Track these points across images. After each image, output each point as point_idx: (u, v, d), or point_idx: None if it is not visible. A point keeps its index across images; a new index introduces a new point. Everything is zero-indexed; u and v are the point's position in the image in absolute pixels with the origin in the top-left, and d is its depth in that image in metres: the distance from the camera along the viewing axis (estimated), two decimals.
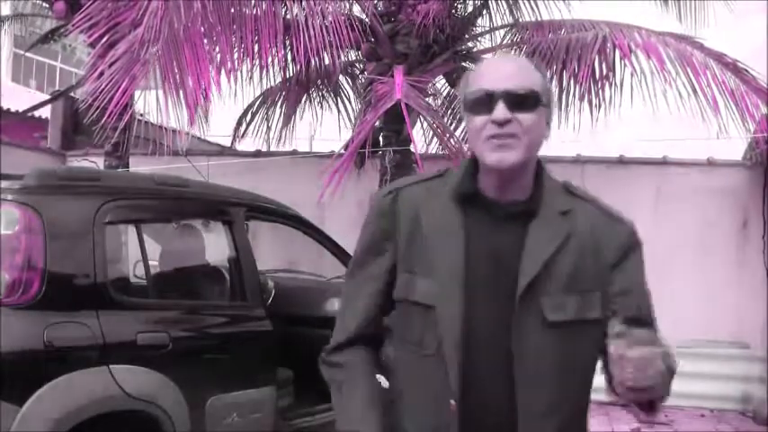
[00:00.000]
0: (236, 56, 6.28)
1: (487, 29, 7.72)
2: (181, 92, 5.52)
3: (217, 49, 6.02)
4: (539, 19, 7.49)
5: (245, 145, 9.21)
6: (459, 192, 1.52)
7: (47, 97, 10.32)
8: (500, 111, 1.43)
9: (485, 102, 1.45)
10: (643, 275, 1.56)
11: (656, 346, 1.34)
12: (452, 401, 1.45)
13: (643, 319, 1.48)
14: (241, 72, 6.80)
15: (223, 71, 6.25)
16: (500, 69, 1.51)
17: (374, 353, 1.65)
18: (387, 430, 1.53)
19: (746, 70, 6.44)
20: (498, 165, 1.45)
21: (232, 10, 5.94)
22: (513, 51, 7.67)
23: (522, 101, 1.45)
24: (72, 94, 9.14)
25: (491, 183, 1.51)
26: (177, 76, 5.47)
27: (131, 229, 3.73)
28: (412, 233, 1.54)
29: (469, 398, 1.46)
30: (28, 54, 14.25)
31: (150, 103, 6.05)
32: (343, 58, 7.55)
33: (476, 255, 1.49)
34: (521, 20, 7.56)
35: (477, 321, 1.47)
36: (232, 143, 9.24)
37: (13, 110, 10.70)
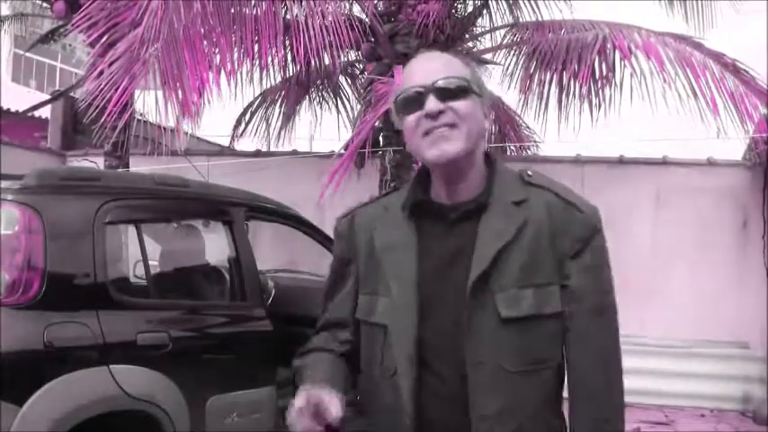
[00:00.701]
0: (235, 56, 6.27)
1: (487, 29, 7.72)
2: (180, 92, 5.52)
3: (216, 49, 6.01)
4: (539, 19, 7.49)
5: (244, 145, 9.23)
6: (409, 203, 1.49)
7: (47, 97, 10.32)
8: (431, 102, 1.40)
9: (416, 99, 1.42)
10: (602, 268, 1.47)
11: None
12: (407, 421, 1.42)
13: (604, 312, 1.45)
14: (241, 72, 6.81)
15: (222, 72, 6.26)
16: (426, 66, 1.48)
17: (340, 361, 1.58)
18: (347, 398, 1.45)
19: (746, 71, 6.43)
20: (440, 158, 1.41)
21: (232, 10, 5.94)
22: (513, 51, 7.69)
23: (453, 90, 1.42)
24: (72, 93, 9.14)
25: (440, 185, 1.47)
26: (176, 77, 5.47)
27: (131, 229, 3.73)
28: (368, 253, 1.52)
29: (426, 413, 1.43)
30: (28, 54, 14.27)
31: (149, 103, 6.05)
32: (343, 58, 7.55)
33: (430, 264, 1.45)
34: (521, 20, 7.56)
35: (432, 332, 1.42)
36: (230, 142, 9.25)
37: (13, 110, 10.71)
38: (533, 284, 1.41)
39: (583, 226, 1.45)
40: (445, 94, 1.41)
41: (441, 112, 1.40)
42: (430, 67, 1.46)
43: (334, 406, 1.34)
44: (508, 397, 1.40)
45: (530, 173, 1.50)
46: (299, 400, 1.37)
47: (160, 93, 5.68)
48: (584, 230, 1.45)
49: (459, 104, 1.41)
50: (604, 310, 1.46)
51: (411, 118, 1.43)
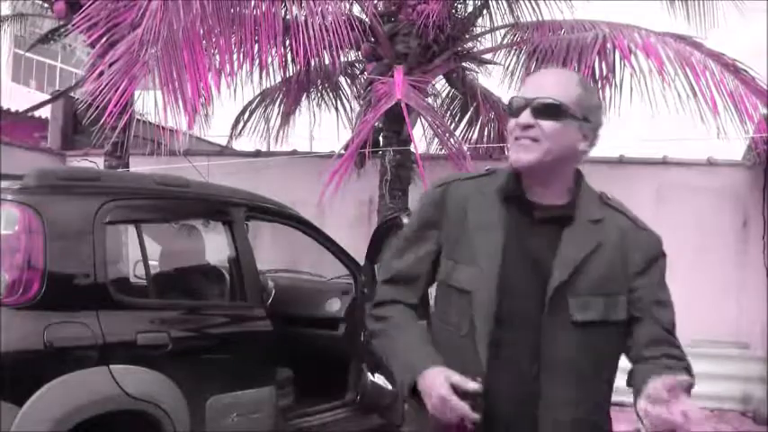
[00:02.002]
0: (235, 57, 6.28)
1: (487, 29, 7.72)
2: (179, 93, 5.52)
3: (216, 50, 6.01)
4: (539, 19, 7.49)
5: (244, 145, 9.22)
6: (504, 192, 1.67)
7: (47, 97, 10.32)
8: (524, 116, 1.60)
9: (520, 107, 1.62)
10: (665, 284, 1.71)
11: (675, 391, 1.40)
12: (478, 378, 1.54)
13: (665, 329, 1.65)
14: (240, 73, 6.81)
15: (222, 72, 6.26)
16: (539, 80, 1.71)
17: (413, 313, 1.76)
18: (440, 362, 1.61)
19: (746, 71, 6.43)
20: (515, 163, 1.62)
21: (231, 11, 5.93)
22: (513, 51, 7.69)
23: (547, 109, 1.59)
24: (72, 94, 9.13)
25: (534, 186, 1.66)
26: (175, 78, 5.47)
27: (131, 229, 3.73)
28: (458, 224, 1.69)
29: (494, 377, 1.58)
30: (28, 54, 14.27)
31: (149, 104, 6.05)
32: (342, 58, 7.55)
33: (512, 251, 1.63)
34: (521, 20, 7.56)
35: (507, 310, 1.61)
36: (228, 141, 9.24)
37: (13, 110, 10.70)
38: (603, 294, 1.61)
39: (651, 248, 1.69)
40: (540, 111, 1.59)
41: (530, 126, 1.59)
42: (540, 81, 1.68)
43: (467, 383, 1.52)
44: (573, 389, 1.59)
45: (609, 196, 1.73)
46: (443, 389, 1.51)
47: (159, 93, 5.68)
48: (652, 252, 1.69)
49: (548, 124, 1.59)
50: (665, 319, 1.68)
51: (511, 122, 1.64)
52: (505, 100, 8.16)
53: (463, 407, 1.49)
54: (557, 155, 1.61)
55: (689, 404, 1.38)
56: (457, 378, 1.51)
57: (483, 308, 1.61)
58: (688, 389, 1.43)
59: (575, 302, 1.59)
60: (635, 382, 1.58)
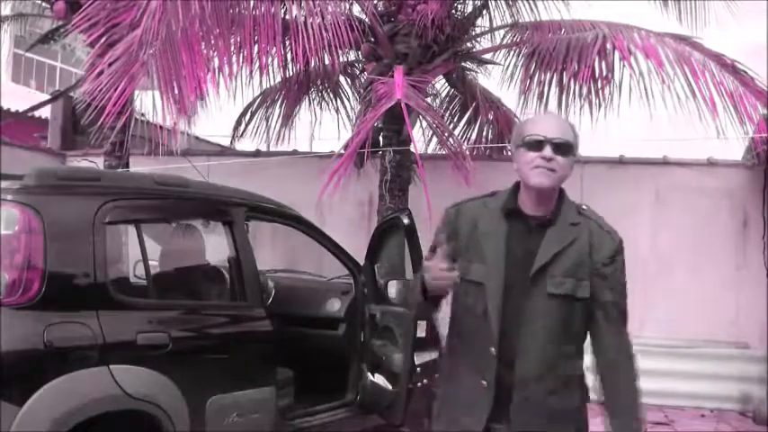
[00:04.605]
0: (234, 58, 6.27)
1: (487, 29, 7.71)
2: (177, 93, 5.51)
3: (215, 51, 6.01)
4: (538, 19, 7.49)
5: (244, 145, 9.22)
6: (505, 207, 2.22)
7: (47, 97, 10.32)
8: (548, 151, 2.12)
9: (539, 144, 2.12)
10: (624, 275, 2.21)
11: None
12: (492, 348, 2.12)
13: (623, 314, 2.20)
14: (240, 73, 6.81)
15: (220, 73, 6.25)
16: (551, 123, 2.22)
17: None
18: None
19: (745, 71, 6.44)
20: (540, 185, 2.13)
21: (231, 11, 5.93)
22: (512, 51, 7.69)
23: (562, 148, 2.13)
24: (72, 94, 9.13)
25: (529, 200, 2.19)
26: (174, 78, 5.46)
27: (131, 229, 3.73)
28: (470, 234, 2.23)
29: (503, 346, 2.12)
30: (28, 54, 14.25)
31: (148, 104, 6.05)
32: (342, 58, 7.55)
33: (513, 251, 2.17)
34: (520, 20, 7.56)
35: (510, 294, 2.13)
36: (231, 143, 9.24)
37: (13, 110, 10.69)
38: (573, 276, 2.13)
39: (614, 246, 2.20)
40: (557, 147, 2.12)
41: (551, 159, 2.11)
42: (553, 124, 2.20)
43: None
44: (549, 344, 2.13)
45: (584, 207, 2.25)
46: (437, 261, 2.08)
47: (158, 93, 5.67)
48: (614, 249, 2.19)
49: (562, 159, 2.13)
50: (619, 303, 2.20)
51: (531, 155, 2.13)
52: (505, 100, 8.21)
53: (443, 266, 2.04)
54: (563, 180, 2.17)
55: None
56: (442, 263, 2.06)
57: (493, 295, 2.13)
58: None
59: (551, 281, 2.12)
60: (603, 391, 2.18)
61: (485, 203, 2.27)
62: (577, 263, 2.13)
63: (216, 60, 6.09)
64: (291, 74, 7.65)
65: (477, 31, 7.71)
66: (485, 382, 2.12)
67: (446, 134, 7.09)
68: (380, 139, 7.02)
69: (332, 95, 8.66)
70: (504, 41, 7.69)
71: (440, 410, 2.30)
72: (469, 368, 2.18)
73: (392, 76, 6.38)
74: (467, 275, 2.16)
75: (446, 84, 8.01)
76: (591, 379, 2.21)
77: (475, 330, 2.18)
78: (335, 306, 4.90)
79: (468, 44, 7.64)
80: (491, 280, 2.15)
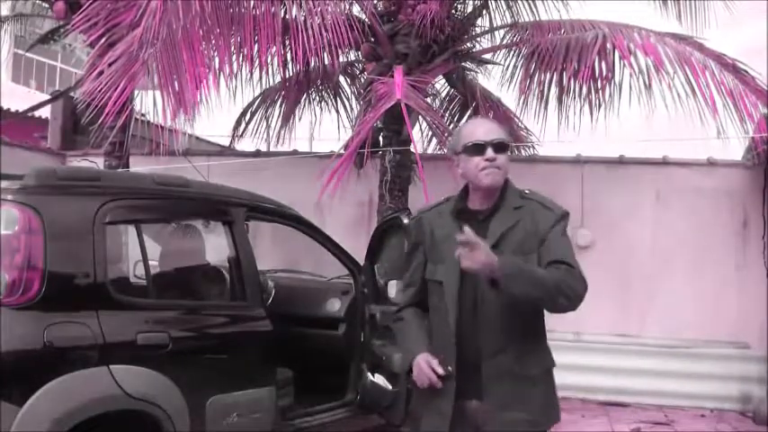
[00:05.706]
0: (234, 57, 6.26)
1: (487, 29, 7.71)
2: (177, 92, 5.51)
3: (215, 51, 6.00)
4: (538, 19, 7.48)
5: (244, 145, 9.21)
6: (455, 210, 2.51)
7: (47, 97, 10.30)
8: (490, 152, 2.41)
9: (480, 147, 2.41)
10: (564, 237, 2.40)
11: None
12: (452, 338, 2.38)
13: (565, 262, 2.33)
14: (240, 73, 6.80)
15: (221, 72, 6.25)
16: (486, 127, 2.48)
17: (421, 311, 2.60)
18: (430, 350, 2.45)
19: (746, 71, 6.43)
20: (492, 184, 2.42)
21: (231, 11, 5.93)
22: (512, 51, 7.68)
23: (501, 147, 2.43)
24: (72, 94, 9.13)
25: (477, 198, 2.47)
26: (174, 78, 5.46)
27: (131, 229, 3.73)
28: (431, 240, 2.53)
29: (464, 333, 2.38)
30: (28, 54, 14.26)
31: (148, 104, 6.04)
32: (342, 58, 7.55)
33: None
34: (520, 20, 7.56)
35: (467, 285, 2.38)
36: (231, 143, 9.23)
37: (13, 110, 10.69)
38: (522, 252, 2.36)
39: (554, 217, 2.42)
40: (497, 147, 2.41)
41: (494, 159, 2.39)
42: (487, 128, 2.47)
43: (436, 366, 2.37)
44: (504, 322, 2.34)
45: (527, 191, 2.49)
46: (422, 364, 2.39)
47: (158, 93, 5.67)
48: (554, 219, 2.41)
49: (501, 157, 2.42)
50: (564, 260, 2.34)
51: (476, 159, 2.40)
52: (505, 100, 8.21)
53: (431, 373, 2.35)
54: (507, 174, 2.46)
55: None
56: (433, 362, 2.37)
57: (450, 291, 2.41)
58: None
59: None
60: None
61: (438, 211, 2.56)
62: (522, 240, 2.37)
63: (216, 60, 6.08)
64: (291, 74, 7.64)
65: (477, 31, 7.70)
66: (450, 368, 2.37)
67: (446, 134, 7.08)
68: (380, 139, 7.02)
69: (332, 95, 8.66)
70: (504, 41, 7.68)
71: (416, 397, 2.59)
72: (437, 358, 2.40)
73: (392, 76, 6.38)
74: (432, 277, 2.49)
75: (446, 84, 8.01)
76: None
77: (439, 325, 2.46)
78: (335, 306, 4.90)
79: (468, 44, 7.63)
80: (449, 276, 2.40)
